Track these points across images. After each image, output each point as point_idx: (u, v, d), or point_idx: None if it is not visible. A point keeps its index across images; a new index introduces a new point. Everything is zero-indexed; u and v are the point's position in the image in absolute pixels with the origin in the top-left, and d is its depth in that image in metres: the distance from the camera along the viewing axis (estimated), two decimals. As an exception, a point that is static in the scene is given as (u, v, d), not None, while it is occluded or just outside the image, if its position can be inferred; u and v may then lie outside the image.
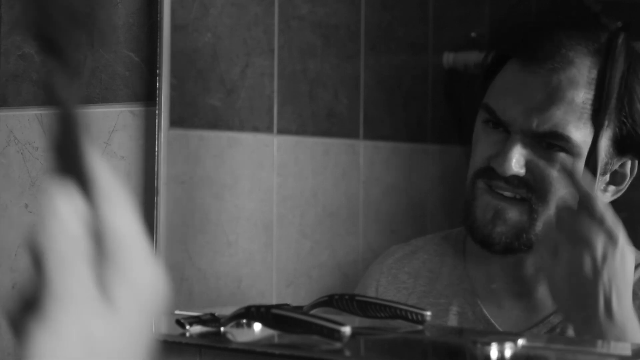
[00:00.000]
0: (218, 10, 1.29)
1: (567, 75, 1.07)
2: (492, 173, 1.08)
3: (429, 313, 1.04)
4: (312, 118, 1.38)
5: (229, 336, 1.06)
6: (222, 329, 1.06)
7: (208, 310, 1.10)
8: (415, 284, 1.20)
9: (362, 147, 1.44)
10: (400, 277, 1.22)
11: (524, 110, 1.07)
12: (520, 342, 0.92)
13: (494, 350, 0.90)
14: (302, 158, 1.37)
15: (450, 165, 1.51)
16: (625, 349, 0.99)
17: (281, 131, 1.35)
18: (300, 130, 1.37)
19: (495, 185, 1.08)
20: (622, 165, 1.10)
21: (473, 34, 1.56)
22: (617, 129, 1.07)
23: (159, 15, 1.25)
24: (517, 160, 1.06)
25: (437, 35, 1.55)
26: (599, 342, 1.04)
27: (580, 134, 1.06)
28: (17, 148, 1.41)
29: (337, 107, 1.41)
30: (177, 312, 1.22)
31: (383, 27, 1.48)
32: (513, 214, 1.08)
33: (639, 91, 1.08)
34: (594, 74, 1.06)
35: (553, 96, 1.06)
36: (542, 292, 1.12)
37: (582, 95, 1.06)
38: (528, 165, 1.07)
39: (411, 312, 1.04)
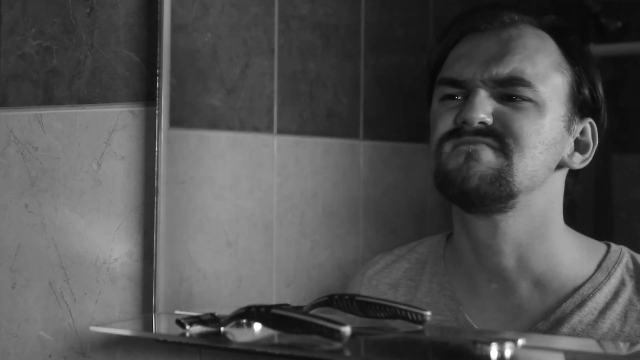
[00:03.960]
0: (218, 10, 1.29)
1: (517, 30, 1.10)
2: (458, 132, 1.08)
3: (429, 313, 1.04)
4: (312, 118, 1.38)
5: (229, 336, 1.06)
6: (222, 329, 1.06)
7: (208, 310, 1.10)
8: (396, 294, 1.19)
9: (362, 147, 1.44)
10: (380, 289, 1.21)
11: (482, 63, 1.09)
12: (520, 342, 0.92)
13: (494, 350, 0.90)
14: (302, 158, 1.37)
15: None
16: (623, 349, 0.99)
17: (281, 131, 1.35)
18: (300, 130, 1.37)
19: (465, 140, 1.08)
20: (584, 133, 1.11)
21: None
22: (573, 88, 1.10)
23: (159, 15, 1.25)
24: (482, 108, 1.07)
25: (437, 35, 1.54)
26: (598, 342, 1.04)
27: (540, 83, 1.08)
28: (17, 148, 1.41)
29: (337, 107, 1.41)
30: (177, 312, 1.22)
31: (383, 27, 1.48)
32: (486, 155, 1.07)
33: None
34: (539, 33, 1.10)
35: (507, 45, 1.09)
36: (526, 288, 1.10)
37: (533, 44, 1.09)
38: (495, 114, 1.08)
39: (411, 312, 1.04)
